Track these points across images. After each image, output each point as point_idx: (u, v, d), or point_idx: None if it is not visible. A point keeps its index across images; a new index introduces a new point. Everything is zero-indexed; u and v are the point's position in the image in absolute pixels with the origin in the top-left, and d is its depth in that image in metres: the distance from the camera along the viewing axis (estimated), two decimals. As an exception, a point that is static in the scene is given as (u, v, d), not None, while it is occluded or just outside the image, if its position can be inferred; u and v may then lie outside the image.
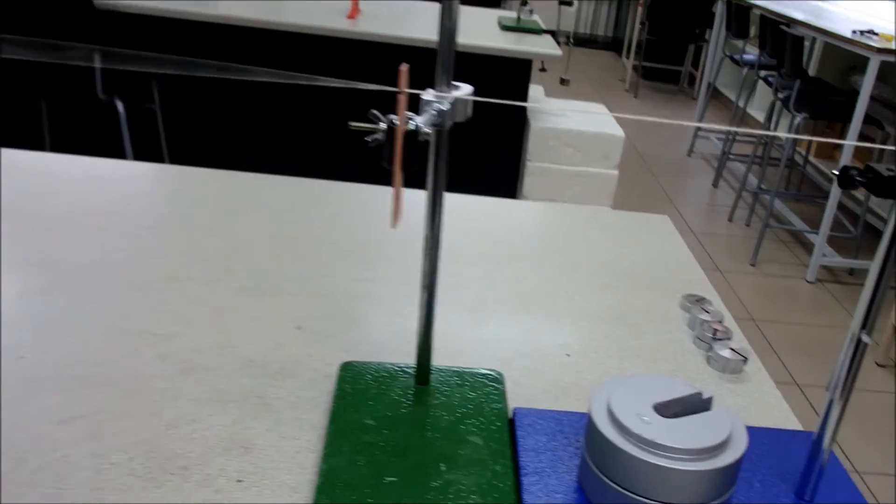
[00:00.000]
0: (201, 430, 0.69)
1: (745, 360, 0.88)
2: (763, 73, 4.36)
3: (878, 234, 4.03)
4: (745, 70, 4.57)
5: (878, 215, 4.02)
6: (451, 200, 1.16)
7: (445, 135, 0.67)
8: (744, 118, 5.24)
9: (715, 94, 6.46)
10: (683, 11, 6.61)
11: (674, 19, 6.68)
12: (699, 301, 1.00)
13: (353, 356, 0.81)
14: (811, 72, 4.95)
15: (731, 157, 4.66)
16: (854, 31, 3.57)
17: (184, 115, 3.00)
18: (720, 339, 0.91)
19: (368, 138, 0.56)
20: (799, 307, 3.29)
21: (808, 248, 3.80)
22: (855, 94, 4.45)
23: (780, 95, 3.84)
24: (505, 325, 0.92)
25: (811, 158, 4.61)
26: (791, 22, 3.95)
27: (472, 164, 3.01)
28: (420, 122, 0.57)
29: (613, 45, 8.39)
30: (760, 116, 5.17)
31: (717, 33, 5.14)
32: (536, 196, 3.04)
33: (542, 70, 3.02)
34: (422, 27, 2.96)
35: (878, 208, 4.00)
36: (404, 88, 0.50)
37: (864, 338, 0.58)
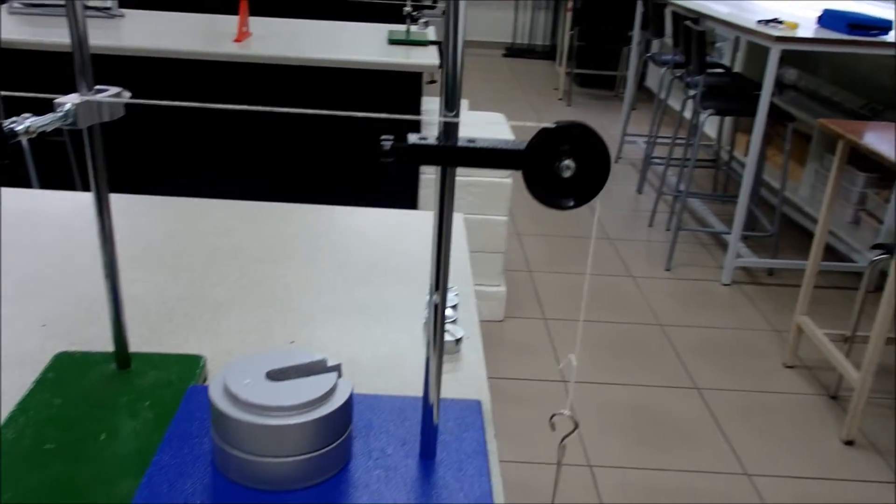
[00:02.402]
0: None
1: (458, 341, 0.99)
2: (679, 71, 4.53)
3: (798, 229, 4.19)
4: (664, 70, 4.74)
5: (801, 210, 4.18)
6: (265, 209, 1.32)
7: (96, 133, 0.78)
8: (669, 119, 5.42)
9: (650, 96, 6.65)
10: (611, 15, 6.82)
11: (602, 24, 6.89)
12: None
13: (89, 348, 0.92)
14: (737, 68, 5.14)
15: (654, 161, 4.82)
16: (759, 21, 3.71)
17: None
18: (440, 323, 1.01)
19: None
20: (709, 310, 3.42)
21: (727, 250, 3.95)
22: (782, 87, 4.64)
23: (691, 93, 3.99)
24: (245, 317, 1.03)
25: (737, 155, 4.78)
26: (700, 17, 4.11)
27: (372, 179, 3.16)
28: (28, 123, 0.67)
29: (551, 53, 8.58)
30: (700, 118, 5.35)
31: (637, 35, 5.31)
32: (433, 208, 3.15)
33: (431, 82, 3.15)
34: (316, 46, 3.10)
35: (803, 203, 4.16)
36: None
37: (433, 299, 0.69)
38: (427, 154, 0.64)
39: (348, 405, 0.72)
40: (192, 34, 3.18)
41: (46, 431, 0.76)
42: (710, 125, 5.25)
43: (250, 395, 0.68)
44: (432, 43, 3.32)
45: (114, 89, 0.77)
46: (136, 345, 0.93)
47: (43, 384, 0.84)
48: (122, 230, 1.28)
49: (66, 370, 0.87)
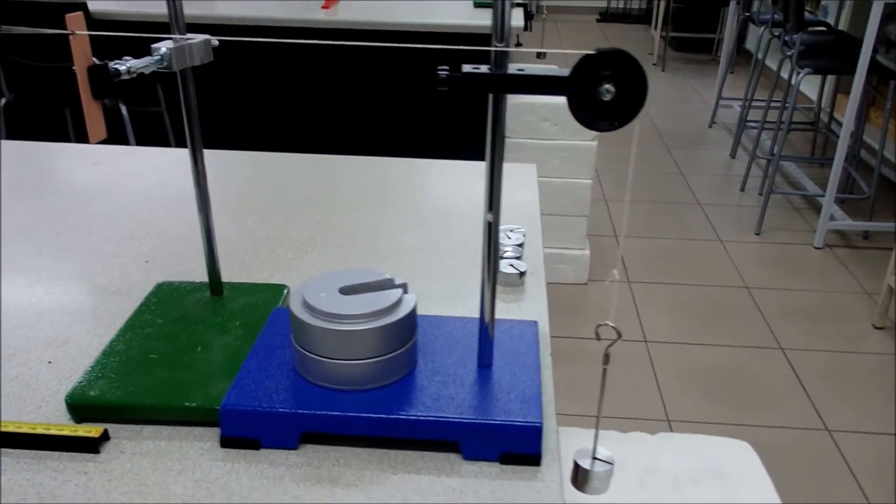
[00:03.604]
0: (39, 331, 0.95)
1: (521, 274, 1.08)
2: (779, 30, 4.45)
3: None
4: (762, 29, 4.68)
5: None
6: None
7: (188, 76, 0.89)
8: (768, 82, 5.33)
9: (749, 59, 6.54)
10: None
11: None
12: (512, 231, 1.20)
13: (186, 279, 1.05)
14: (842, 26, 5.02)
15: (750, 124, 4.77)
16: (864, -26, 3.62)
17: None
18: (505, 258, 1.10)
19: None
20: (799, 274, 3.41)
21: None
22: (890, 45, 4.52)
23: (789, 52, 3.94)
24: (325, 254, 1.15)
25: (837, 116, 4.69)
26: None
27: (459, 141, 3.27)
28: (129, 64, 0.78)
29: (646, 17, 8.49)
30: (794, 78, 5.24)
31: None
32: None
33: (518, 45, 3.21)
34: (402, 11, 3.20)
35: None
36: (74, 31, 0.72)
37: (488, 217, 0.78)
38: (479, 81, 0.71)
39: (412, 317, 0.81)
40: (280, 3, 3.33)
41: (150, 344, 0.88)
42: (811, 87, 5.16)
43: (324, 306, 0.79)
44: (518, 5, 3.38)
45: (202, 36, 0.88)
46: (227, 277, 1.05)
47: (146, 307, 0.96)
48: (214, 181, 1.42)
49: (166, 296, 0.99)
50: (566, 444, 1.22)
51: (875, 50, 3.37)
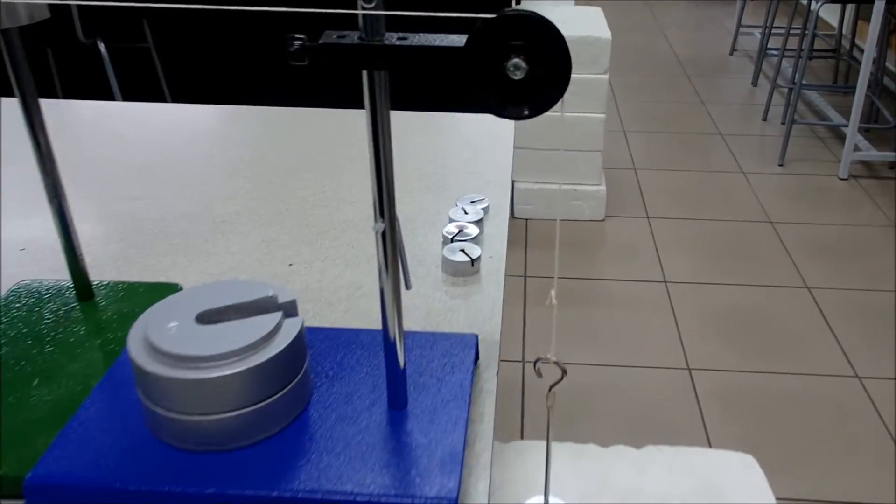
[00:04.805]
0: None
1: (473, 262, 0.82)
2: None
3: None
4: (783, -45, 4.27)
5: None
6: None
7: (14, 36, 0.64)
8: (787, 8, 4.91)
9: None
10: None
11: None
12: (473, 203, 0.94)
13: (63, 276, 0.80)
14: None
15: (770, 52, 4.39)
16: None
17: (182, 52, 2.95)
18: (457, 241, 0.85)
19: None
20: (823, 206, 3.10)
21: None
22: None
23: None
24: (248, 235, 0.89)
25: (859, 44, 4.29)
26: None
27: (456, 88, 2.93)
28: None
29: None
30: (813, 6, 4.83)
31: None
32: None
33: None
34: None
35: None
36: None
37: (376, 227, 0.52)
38: (347, 55, 0.47)
39: (294, 350, 0.56)
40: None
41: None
42: (831, 14, 4.75)
43: (169, 344, 0.54)
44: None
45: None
46: (118, 269, 0.81)
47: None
48: (123, 140, 1.16)
49: (20, 302, 0.74)
50: (532, 460, 0.98)
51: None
